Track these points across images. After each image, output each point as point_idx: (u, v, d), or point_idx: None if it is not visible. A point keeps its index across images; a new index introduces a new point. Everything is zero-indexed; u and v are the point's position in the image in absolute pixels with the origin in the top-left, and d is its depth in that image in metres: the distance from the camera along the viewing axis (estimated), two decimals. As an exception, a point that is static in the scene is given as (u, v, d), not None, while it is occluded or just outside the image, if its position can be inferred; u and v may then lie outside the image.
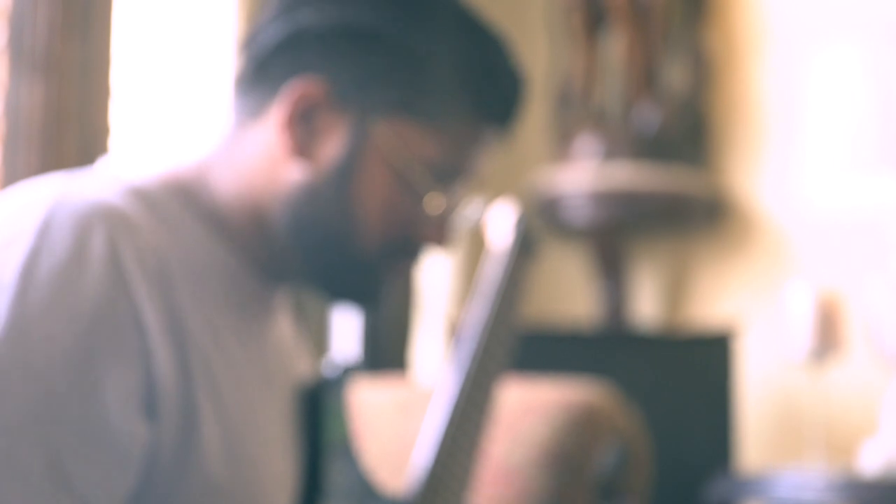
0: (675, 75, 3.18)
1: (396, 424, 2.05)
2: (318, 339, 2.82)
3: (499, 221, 1.39)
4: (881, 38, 2.33)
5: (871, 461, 2.26)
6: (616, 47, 3.21)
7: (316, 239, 1.06)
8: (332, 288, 1.10)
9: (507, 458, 1.89)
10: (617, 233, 3.09)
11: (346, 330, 2.91)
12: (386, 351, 2.92)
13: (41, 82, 1.98)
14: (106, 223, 0.95)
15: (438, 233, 1.09)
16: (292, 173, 1.05)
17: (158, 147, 2.43)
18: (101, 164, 1.15)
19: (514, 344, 1.35)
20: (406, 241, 1.08)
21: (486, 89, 1.08)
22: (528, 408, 1.96)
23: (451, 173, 1.07)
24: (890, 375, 2.56)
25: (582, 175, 3.06)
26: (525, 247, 1.40)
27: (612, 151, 3.07)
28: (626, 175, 3.04)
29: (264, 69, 1.07)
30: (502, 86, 1.08)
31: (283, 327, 1.17)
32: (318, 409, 1.13)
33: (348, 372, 1.15)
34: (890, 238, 2.41)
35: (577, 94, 3.23)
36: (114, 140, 2.31)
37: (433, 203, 1.07)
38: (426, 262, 1.14)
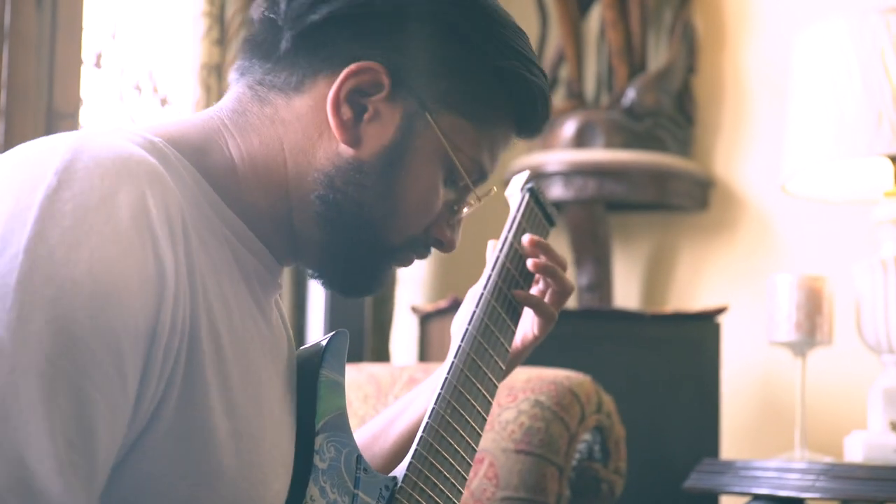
0: (661, 57, 3.16)
1: (375, 404, 2.03)
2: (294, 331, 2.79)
3: (511, 189, 1.40)
4: (870, 22, 2.29)
5: (856, 449, 2.23)
6: (602, 28, 3.18)
7: (349, 219, 1.05)
8: (342, 273, 1.10)
9: (484, 443, 1.86)
10: (599, 213, 3.06)
11: (318, 322, 2.88)
12: (364, 343, 2.90)
13: (4, 52, 1.93)
14: (135, 175, 0.91)
15: (452, 234, 1.12)
16: (334, 152, 1.04)
17: (135, 118, 2.39)
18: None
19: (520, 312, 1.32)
20: (425, 237, 1.10)
21: (530, 106, 1.12)
22: (506, 392, 1.94)
23: (481, 176, 1.11)
24: (875, 363, 2.53)
25: (564, 155, 3.03)
26: (538, 213, 1.39)
27: (597, 133, 3.04)
28: (610, 155, 3.01)
29: (314, 39, 1.05)
30: (542, 105, 1.13)
31: (280, 306, 1.16)
32: (313, 382, 1.11)
33: (343, 343, 1.13)
34: (876, 225, 2.38)
35: (563, 75, 3.22)
36: (86, 112, 2.26)
37: (461, 202, 1.11)
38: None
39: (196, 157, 1.03)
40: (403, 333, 3.17)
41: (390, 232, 1.08)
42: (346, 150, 1.04)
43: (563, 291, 1.33)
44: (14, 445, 0.81)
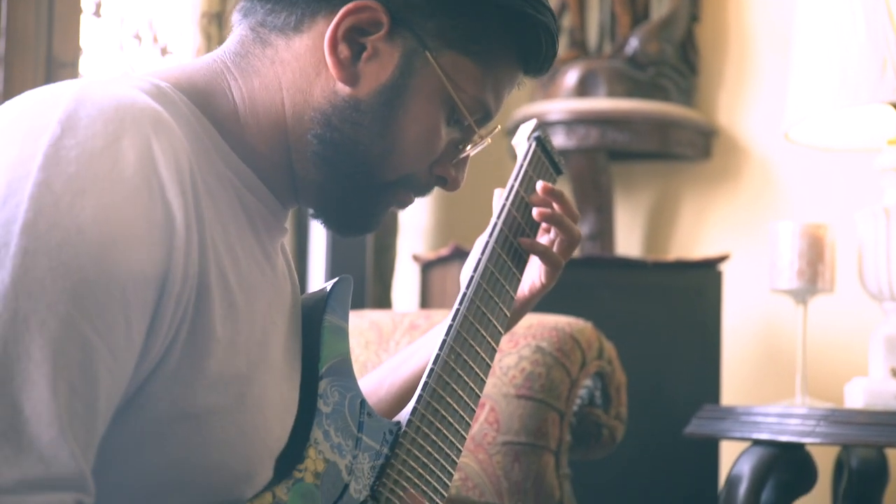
0: (664, 5, 3.14)
1: (377, 350, 2.03)
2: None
3: (518, 137, 1.40)
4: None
5: (856, 395, 2.24)
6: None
7: (345, 158, 1.05)
8: (340, 212, 1.10)
9: (485, 388, 1.87)
10: (601, 162, 3.05)
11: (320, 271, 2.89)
12: (365, 292, 2.91)
13: (3, 1, 1.92)
14: (139, 121, 0.90)
15: (456, 173, 1.12)
16: (331, 90, 1.04)
17: (135, 68, 2.38)
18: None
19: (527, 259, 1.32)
20: (426, 175, 1.10)
21: (535, 43, 1.11)
22: (507, 337, 1.94)
23: (485, 116, 1.11)
24: (876, 310, 2.54)
25: (566, 104, 3.02)
26: (545, 162, 1.39)
27: (599, 82, 3.03)
28: (613, 104, 3.00)
29: None
30: (547, 42, 1.12)
31: (286, 251, 1.16)
32: (317, 327, 1.11)
33: (347, 289, 1.14)
34: (879, 172, 2.37)
35: (566, 24, 3.20)
36: (85, 62, 2.25)
37: (466, 142, 1.11)
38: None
39: (202, 102, 1.03)
40: (405, 282, 3.18)
41: (386, 170, 1.07)
42: (343, 89, 1.04)
43: (570, 240, 1.33)
44: (11, 391, 0.81)
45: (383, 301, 2.96)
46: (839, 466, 2.59)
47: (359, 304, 2.81)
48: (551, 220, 1.31)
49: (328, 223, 1.12)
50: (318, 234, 2.91)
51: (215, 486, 0.96)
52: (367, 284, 2.92)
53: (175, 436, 0.93)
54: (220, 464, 0.96)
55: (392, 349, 2.01)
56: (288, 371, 1.07)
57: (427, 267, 2.94)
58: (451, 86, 1.06)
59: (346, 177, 1.07)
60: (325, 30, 1.04)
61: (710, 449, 2.65)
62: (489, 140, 1.13)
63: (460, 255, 2.65)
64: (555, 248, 1.33)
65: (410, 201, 1.13)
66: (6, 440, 0.80)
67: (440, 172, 1.11)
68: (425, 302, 2.94)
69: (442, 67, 1.05)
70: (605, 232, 3.05)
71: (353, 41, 1.04)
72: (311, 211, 1.13)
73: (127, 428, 0.92)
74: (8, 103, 0.94)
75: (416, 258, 2.99)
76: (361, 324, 2.08)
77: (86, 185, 0.85)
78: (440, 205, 3.29)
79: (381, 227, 2.93)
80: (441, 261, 2.81)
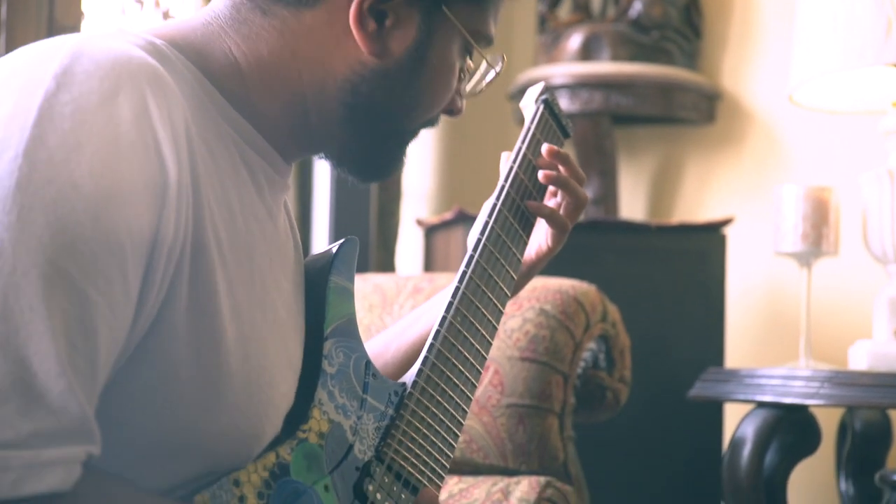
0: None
1: (381, 313, 2.03)
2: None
3: (526, 100, 1.40)
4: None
5: (860, 358, 2.24)
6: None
7: (374, 119, 1.08)
8: (364, 161, 1.13)
9: (491, 350, 1.87)
10: (605, 126, 3.04)
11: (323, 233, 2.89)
12: (369, 257, 2.91)
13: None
14: (135, 77, 0.90)
15: (461, 102, 1.16)
16: (355, 61, 1.06)
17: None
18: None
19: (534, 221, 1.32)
20: (439, 112, 1.14)
21: None
22: (511, 300, 1.95)
23: (486, 43, 1.13)
24: (881, 273, 2.54)
25: (570, 68, 3.01)
26: (552, 125, 1.38)
27: (603, 45, 3.02)
28: (616, 68, 2.99)
29: None
30: None
31: (289, 209, 1.17)
32: (323, 288, 1.11)
33: (353, 250, 1.14)
34: (883, 135, 2.37)
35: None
36: (87, 26, 2.24)
37: (474, 76, 1.16)
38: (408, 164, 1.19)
39: (198, 60, 1.03)
40: (408, 246, 3.18)
41: (414, 121, 1.12)
42: (370, 60, 1.06)
43: (577, 203, 1.33)
44: (16, 346, 0.81)
45: (387, 266, 2.96)
46: (843, 428, 2.60)
47: (362, 269, 2.81)
48: (557, 182, 1.30)
49: (351, 172, 1.14)
50: (321, 200, 2.91)
51: (224, 444, 0.97)
52: (371, 250, 2.92)
53: (181, 397, 0.93)
54: (228, 424, 0.96)
55: (396, 313, 2.01)
56: (292, 329, 1.07)
57: (431, 231, 2.94)
58: (468, 32, 1.10)
59: (373, 134, 1.10)
60: (342, 3, 1.05)
61: (713, 411, 2.65)
62: (500, 67, 1.18)
63: (464, 219, 2.65)
64: (561, 211, 1.33)
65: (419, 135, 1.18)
66: (16, 393, 0.80)
67: (449, 106, 1.15)
68: (429, 266, 2.94)
69: (458, 17, 1.08)
70: (608, 196, 3.05)
71: (375, 11, 1.05)
72: (330, 162, 1.14)
73: (136, 390, 0.92)
74: (6, 57, 0.94)
75: (419, 223, 2.99)
76: (365, 287, 2.08)
77: (81, 141, 0.85)
78: (443, 170, 3.28)
79: (385, 192, 2.93)
80: (445, 225, 2.81)
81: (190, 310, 0.93)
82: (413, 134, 1.14)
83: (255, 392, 0.99)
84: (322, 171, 2.93)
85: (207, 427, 0.95)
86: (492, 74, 1.19)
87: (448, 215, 2.75)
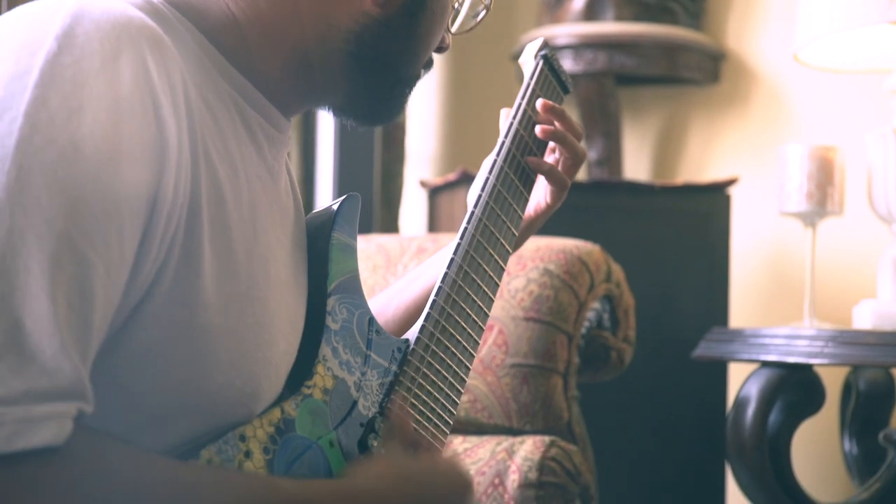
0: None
1: (385, 274, 2.03)
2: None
3: (525, 56, 1.40)
4: None
5: (864, 317, 2.25)
6: None
7: (378, 68, 1.10)
8: (367, 108, 1.15)
9: (493, 310, 1.87)
10: (609, 87, 3.03)
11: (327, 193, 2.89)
12: (373, 218, 2.91)
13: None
14: (136, 40, 0.90)
15: (448, 38, 1.18)
16: (359, 12, 1.07)
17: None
18: None
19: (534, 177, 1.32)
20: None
21: None
22: (515, 260, 1.94)
23: None
24: (885, 233, 2.53)
25: (574, 28, 3.00)
26: (552, 81, 1.37)
27: (607, 5, 3.01)
28: (620, 28, 2.98)
29: None
30: None
31: (289, 166, 1.17)
32: (325, 244, 1.11)
33: (355, 207, 1.14)
34: (889, 94, 2.36)
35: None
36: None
37: (459, 5, 1.19)
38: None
39: (196, 18, 1.03)
40: (412, 208, 3.18)
41: (416, 66, 1.13)
42: (373, 10, 1.07)
43: (574, 159, 1.32)
44: (11, 306, 0.81)
45: (391, 228, 2.96)
46: (847, 388, 2.60)
47: (366, 230, 2.81)
48: (554, 137, 1.30)
49: (356, 119, 1.16)
50: (325, 163, 2.91)
51: (222, 404, 0.97)
52: (375, 211, 2.91)
53: (177, 358, 0.93)
54: (224, 384, 0.96)
55: (400, 273, 2.01)
56: (293, 286, 1.07)
57: (434, 192, 2.94)
58: None
59: (380, 82, 1.11)
60: None
61: (718, 371, 2.66)
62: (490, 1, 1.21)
63: (468, 179, 2.64)
64: (559, 167, 1.33)
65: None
66: (10, 352, 0.80)
67: (440, 43, 1.17)
68: (433, 228, 2.94)
69: None
70: (613, 156, 3.04)
71: None
72: (332, 112, 1.16)
73: (129, 351, 0.92)
74: (5, 15, 0.94)
75: (423, 184, 2.98)
76: (369, 248, 2.08)
77: (82, 104, 0.85)
78: (447, 132, 3.27)
79: (388, 154, 2.93)
80: (448, 186, 2.80)
81: (178, 269, 0.93)
82: (417, 77, 1.15)
83: (251, 350, 0.98)
84: (325, 134, 2.92)
85: (203, 385, 0.95)
86: (483, 12, 1.20)
87: (452, 176, 2.74)
